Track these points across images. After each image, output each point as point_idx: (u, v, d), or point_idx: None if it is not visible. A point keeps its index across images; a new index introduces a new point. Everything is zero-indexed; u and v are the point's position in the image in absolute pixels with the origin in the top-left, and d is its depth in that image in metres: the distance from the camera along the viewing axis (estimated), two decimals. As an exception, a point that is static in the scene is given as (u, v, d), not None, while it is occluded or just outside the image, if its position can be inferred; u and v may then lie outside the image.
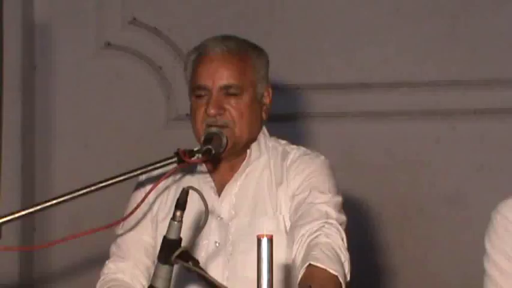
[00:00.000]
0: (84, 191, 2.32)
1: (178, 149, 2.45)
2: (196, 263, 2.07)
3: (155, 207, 2.75)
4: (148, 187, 2.69)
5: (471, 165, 4.29)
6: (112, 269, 2.74)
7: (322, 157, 2.73)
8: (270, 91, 2.77)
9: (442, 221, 4.31)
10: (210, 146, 2.52)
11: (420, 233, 4.33)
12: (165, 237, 2.09)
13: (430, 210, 4.33)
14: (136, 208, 2.42)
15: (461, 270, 4.10)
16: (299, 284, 2.34)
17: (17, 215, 2.26)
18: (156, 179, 2.63)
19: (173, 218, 2.09)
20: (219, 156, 2.65)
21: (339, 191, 2.67)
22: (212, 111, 2.63)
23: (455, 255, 4.18)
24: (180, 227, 2.09)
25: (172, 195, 2.73)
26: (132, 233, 2.76)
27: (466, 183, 4.28)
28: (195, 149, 2.54)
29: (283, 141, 2.80)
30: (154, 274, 2.12)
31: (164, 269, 2.10)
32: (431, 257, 4.31)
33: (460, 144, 4.32)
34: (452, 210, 4.30)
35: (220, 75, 2.65)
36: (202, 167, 2.74)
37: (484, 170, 4.25)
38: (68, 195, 2.30)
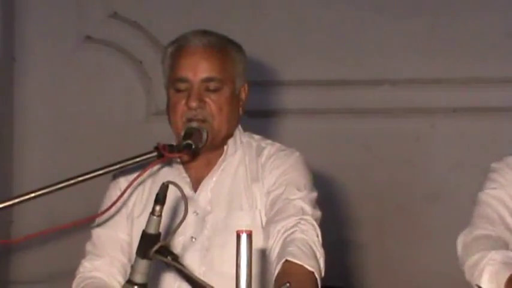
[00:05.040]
0: (63, 184, 2.30)
1: (158, 144, 2.44)
2: (175, 258, 2.06)
3: (130, 204, 2.73)
4: (124, 182, 2.69)
5: (451, 162, 4.31)
6: (88, 267, 2.72)
7: (297, 153, 2.72)
8: (247, 87, 2.76)
9: (422, 218, 4.32)
10: (190, 141, 2.51)
11: (399, 230, 4.34)
12: (144, 232, 2.08)
13: (409, 207, 4.34)
14: (116, 201, 2.41)
15: (439, 267, 4.11)
16: (275, 279, 2.34)
17: (-6, 208, 2.24)
18: (132, 173, 2.62)
19: (152, 213, 2.07)
20: (199, 151, 2.64)
21: (314, 186, 2.67)
22: (193, 103, 2.61)
23: (435, 252, 4.20)
24: (159, 222, 2.08)
25: (148, 191, 2.71)
26: (107, 230, 2.73)
27: (445, 181, 4.30)
28: (175, 144, 2.54)
29: (258, 137, 2.79)
30: (133, 268, 2.11)
31: (142, 263, 2.09)
32: (410, 254, 4.32)
33: (440, 142, 4.34)
34: (432, 207, 4.31)
35: (201, 67, 2.64)
36: (178, 163, 2.72)
37: (463, 167, 4.27)
38: (47, 189, 2.28)
